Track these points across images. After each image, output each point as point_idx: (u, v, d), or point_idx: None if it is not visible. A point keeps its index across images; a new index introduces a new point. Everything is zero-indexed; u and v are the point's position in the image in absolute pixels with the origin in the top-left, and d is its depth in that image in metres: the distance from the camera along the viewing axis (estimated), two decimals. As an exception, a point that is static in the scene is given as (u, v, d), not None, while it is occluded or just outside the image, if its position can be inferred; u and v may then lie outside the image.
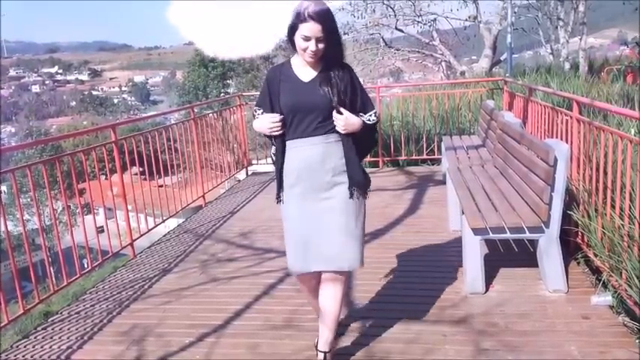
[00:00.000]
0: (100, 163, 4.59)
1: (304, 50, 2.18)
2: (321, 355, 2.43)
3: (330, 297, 2.40)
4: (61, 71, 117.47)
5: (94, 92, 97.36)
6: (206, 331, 2.93)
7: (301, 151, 2.29)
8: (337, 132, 2.28)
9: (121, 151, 4.48)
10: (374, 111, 2.36)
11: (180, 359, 2.70)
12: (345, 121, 2.23)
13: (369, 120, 2.34)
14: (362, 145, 2.37)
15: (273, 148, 2.41)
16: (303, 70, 2.29)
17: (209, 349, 2.75)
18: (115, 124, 4.67)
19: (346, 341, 2.70)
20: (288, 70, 2.32)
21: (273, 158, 2.42)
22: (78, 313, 3.33)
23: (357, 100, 2.31)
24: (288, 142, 2.32)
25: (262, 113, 2.35)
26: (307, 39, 2.15)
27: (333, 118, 2.24)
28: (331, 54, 2.23)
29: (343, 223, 2.30)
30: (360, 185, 2.34)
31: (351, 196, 2.31)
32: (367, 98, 2.37)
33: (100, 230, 3.91)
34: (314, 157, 2.28)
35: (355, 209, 2.33)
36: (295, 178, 2.31)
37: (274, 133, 2.29)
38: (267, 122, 2.28)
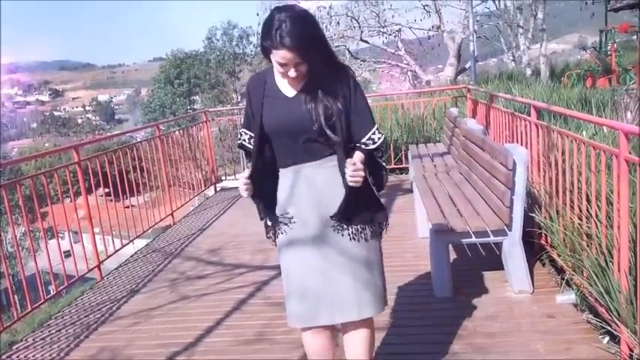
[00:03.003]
0: (64, 186, 4.48)
1: (282, 74, 1.82)
2: None
3: (357, 344, 2.05)
4: (20, 92, 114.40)
5: (56, 113, 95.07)
6: (177, 349, 2.89)
7: (293, 181, 1.92)
8: (335, 157, 1.88)
9: (85, 172, 4.38)
10: (375, 127, 1.91)
11: (150, 381, 2.65)
12: (359, 171, 1.78)
13: (373, 142, 1.89)
14: (373, 174, 1.95)
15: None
16: (286, 83, 1.90)
17: (180, 369, 2.71)
18: (77, 144, 4.57)
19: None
20: (271, 82, 1.92)
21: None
22: (43, 339, 3.24)
23: (351, 115, 1.86)
24: (281, 171, 1.96)
25: (249, 139, 1.96)
26: (284, 65, 1.77)
27: (347, 173, 1.78)
28: (317, 66, 1.82)
29: (356, 265, 1.93)
30: (365, 221, 1.94)
31: (360, 235, 1.93)
32: (367, 111, 1.91)
33: (66, 255, 3.82)
34: (312, 186, 1.90)
35: (368, 247, 1.96)
36: (291, 213, 1.94)
37: (244, 194, 1.93)
38: (239, 181, 1.92)
